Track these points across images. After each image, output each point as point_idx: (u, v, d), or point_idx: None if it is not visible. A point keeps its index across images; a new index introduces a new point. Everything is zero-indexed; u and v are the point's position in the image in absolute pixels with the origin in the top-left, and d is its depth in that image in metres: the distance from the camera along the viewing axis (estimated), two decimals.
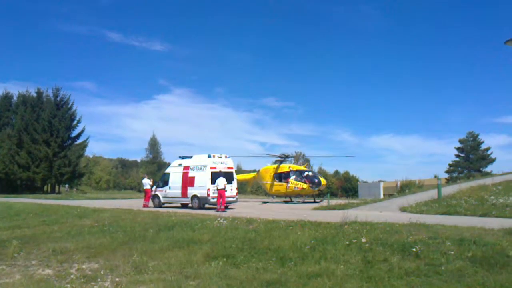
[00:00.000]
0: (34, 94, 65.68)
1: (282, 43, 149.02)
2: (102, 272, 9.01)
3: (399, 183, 47.58)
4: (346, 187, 73.13)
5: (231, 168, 24.54)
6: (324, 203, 26.02)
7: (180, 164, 25.17)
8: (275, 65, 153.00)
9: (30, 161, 58.35)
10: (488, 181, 26.36)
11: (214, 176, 22.44)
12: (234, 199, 24.00)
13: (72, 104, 62.74)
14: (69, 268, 9.72)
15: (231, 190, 23.39)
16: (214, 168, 23.26)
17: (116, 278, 8.58)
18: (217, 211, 20.28)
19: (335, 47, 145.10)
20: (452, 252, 8.31)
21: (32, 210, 23.80)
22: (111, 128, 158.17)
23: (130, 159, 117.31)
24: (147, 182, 25.89)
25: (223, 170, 23.42)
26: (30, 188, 60.70)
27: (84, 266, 9.77)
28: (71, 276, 8.86)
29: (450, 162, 67.54)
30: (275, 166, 32.17)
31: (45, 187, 63.12)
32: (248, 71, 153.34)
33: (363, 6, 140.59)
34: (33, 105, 62.97)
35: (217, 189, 21.38)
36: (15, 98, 67.72)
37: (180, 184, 24.33)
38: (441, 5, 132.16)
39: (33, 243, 13.27)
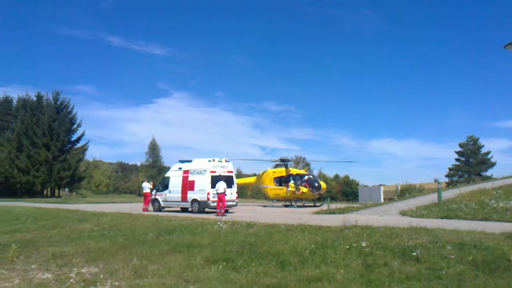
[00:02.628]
0: (34, 98, 65.92)
1: (282, 47, 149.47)
2: (101, 276, 8.96)
3: (399, 187, 47.66)
4: (346, 191, 73.03)
5: (231, 172, 24.52)
6: (324, 207, 25.99)
7: (180, 168, 25.18)
8: (275, 69, 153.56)
9: (30, 165, 58.35)
10: (488, 185, 26.35)
11: (214, 180, 22.43)
12: (234, 203, 23.96)
13: (72, 108, 63.10)
14: (68, 272, 9.66)
15: (231, 194, 23.36)
16: (214, 172, 23.25)
17: (116, 282, 8.53)
18: (217, 215, 20.24)
19: (335, 51, 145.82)
20: (453, 256, 8.28)
21: (31, 214, 23.75)
22: (111, 132, 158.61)
23: (130, 163, 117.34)
24: (147, 186, 25.94)
25: (223, 174, 23.40)
26: (30, 192, 60.72)
27: (83, 270, 9.71)
28: (71, 280, 8.81)
29: (450, 166, 67.72)
30: (275, 170, 32.13)
31: (45, 191, 63.12)
32: (248, 75, 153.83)
33: (365, 11, 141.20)
34: (33, 109, 63.10)
35: (217, 193, 21.34)
36: (15, 102, 68.01)
37: (180, 188, 24.32)
38: (441, 9, 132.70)
39: (32, 247, 13.21)
